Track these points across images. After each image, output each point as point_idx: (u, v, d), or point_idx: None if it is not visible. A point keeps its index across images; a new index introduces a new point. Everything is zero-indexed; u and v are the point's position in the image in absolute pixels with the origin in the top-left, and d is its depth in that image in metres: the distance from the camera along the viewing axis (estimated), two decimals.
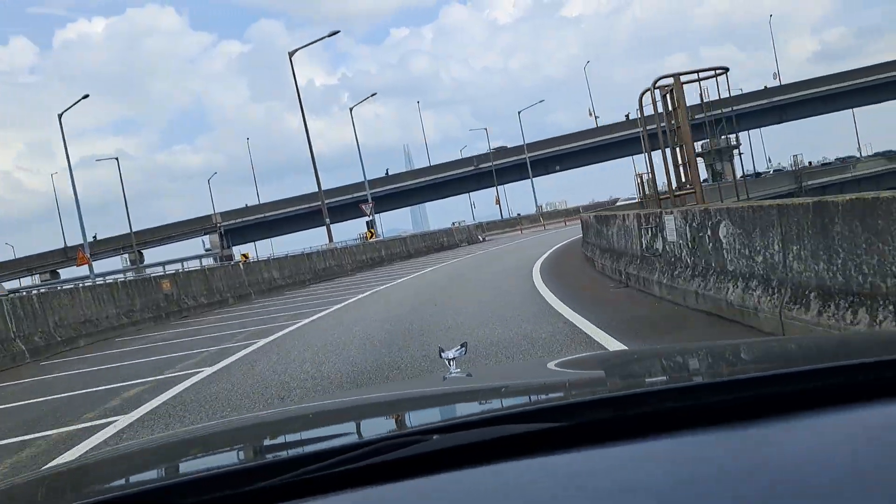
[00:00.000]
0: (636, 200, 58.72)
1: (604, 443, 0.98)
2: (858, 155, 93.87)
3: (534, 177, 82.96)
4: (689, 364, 1.71)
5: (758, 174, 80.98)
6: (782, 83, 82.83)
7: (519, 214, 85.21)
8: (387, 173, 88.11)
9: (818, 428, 0.97)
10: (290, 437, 1.50)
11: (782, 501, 0.78)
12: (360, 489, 0.93)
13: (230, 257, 76.75)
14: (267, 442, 1.52)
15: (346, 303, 15.71)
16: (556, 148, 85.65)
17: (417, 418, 1.45)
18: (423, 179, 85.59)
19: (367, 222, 51.02)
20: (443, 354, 1.95)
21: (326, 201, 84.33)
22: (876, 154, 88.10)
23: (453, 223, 78.90)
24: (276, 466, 1.01)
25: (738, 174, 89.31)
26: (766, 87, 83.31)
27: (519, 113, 69.07)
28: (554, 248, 25.96)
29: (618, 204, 55.25)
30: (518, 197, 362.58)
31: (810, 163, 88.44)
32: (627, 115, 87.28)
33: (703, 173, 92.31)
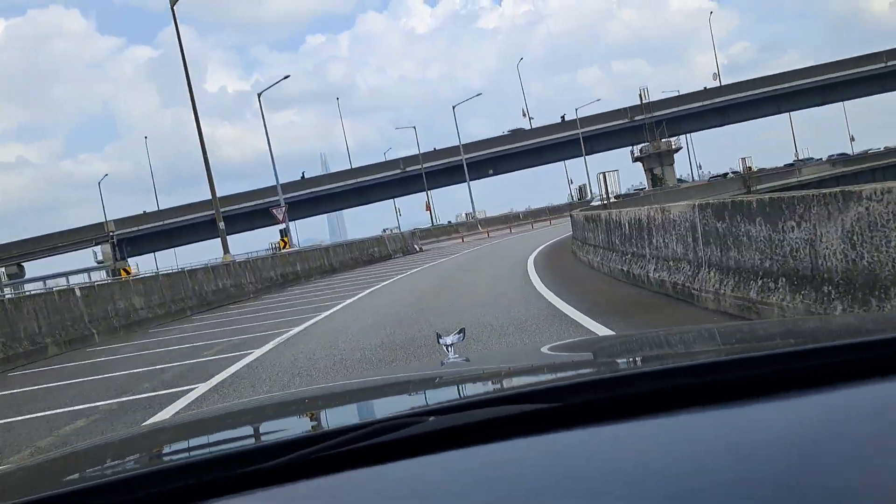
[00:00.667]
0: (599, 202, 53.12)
1: (594, 423, 1.00)
2: (795, 159, 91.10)
3: (464, 181, 76.42)
4: (678, 347, 1.73)
5: (717, 176, 76.18)
6: (722, 84, 78.73)
7: (449, 222, 78.50)
8: (303, 176, 79.96)
9: (804, 407, 0.99)
10: (286, 422, 1.52)
11: (776, 478, 0.80)
12: (357, 470, 0.95)
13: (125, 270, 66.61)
14: (261, 426, 1.51)
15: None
16: (491, 150, 79.31)
17: (414, 401, 1.47)
18: (343, 183, 77.79)
19: (281, 230, 43.51)
20: (441, 340, 1.90)
21: (232, 207, 75.75)
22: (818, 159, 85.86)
23: (385, 230, 71.68)
24: (271, 450, 1.02)
25: (678, 179, 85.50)
26: (705, 87, 79.10)
27: (454, 107, 62.53)
28: (533, 256, 19.14)
29: (593, 204, 50.17)
30: (444, 204, 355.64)
31: (749, 168, 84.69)
32: (563, 117, 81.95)
33: (643, 178, 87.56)
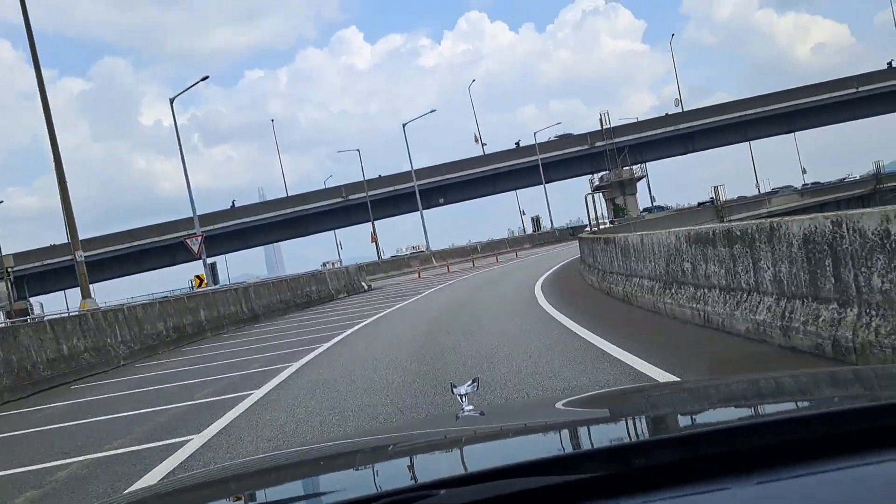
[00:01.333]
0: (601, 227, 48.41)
1: (616, 497, 0.96)
2: (758, 191, 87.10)
3: (415, 210, 69.73)
4: (704, 405, 1.65)
5: (705, 203, 70.88)
6: (684, 110, 74.21)
7: (393, 256, 71.56)
8: (233, 205, 72.18)
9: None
10: (285, 490, 1.45)
11: None
12: None
13: (24, 311, 57.57)
14: (262, 494, 1.46)
15: None
16: (442, 177, 72.87)
17: (425, 467, 1.42)
18: (278, 213, 70.23)
19: (209, 265, 36.14)
20: (455, 390, 1.83)
21: (148, 240, 67.88)
22: (788, 187, 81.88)
23: (325, 264, 64.23)
24: None
25: (656, 206, 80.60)
26: (666, 114, 74.43)
27: (404, 126, 55.80)
28: (545, 296, 12.47)
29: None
30: (386, 237, 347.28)
31: (712, 199, 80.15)
32: (518, 143, 76.28)
33: (603, 208, 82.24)
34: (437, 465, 1.43)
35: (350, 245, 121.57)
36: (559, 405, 1.95)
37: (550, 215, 66.90)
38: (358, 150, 64.33)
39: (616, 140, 72.85)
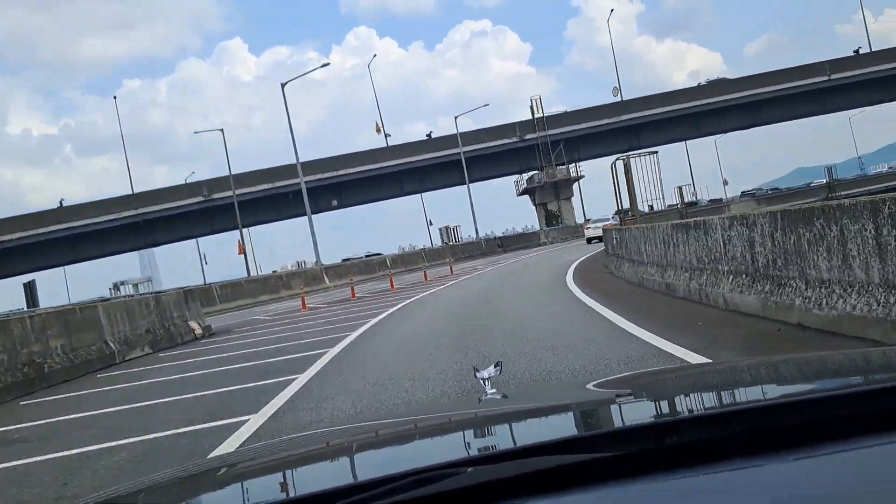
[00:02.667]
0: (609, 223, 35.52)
1: (645, 475, 0.96)
2: (695, 198, 76.19)
3: (302, 214, 54.31)
4: (738, 384, 1.65)
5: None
6: (624, 99, 61.89)
7: (274, 271, 55.73)
8: (60, 204, 54.50)
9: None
10: (313, 470, 1.46)
11: None
12: None
13: None
14: (288, 477, 1.43)
15: None
16: (335, 173, 57.62)
17: (451, 447, 1.42)
18: (113, 217, 53.08)
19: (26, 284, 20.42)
20: (478, 374, 1.81)
21: None
22: (744, 194, 71.53)
23: (116, 286, 47.61)
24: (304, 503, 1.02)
25: (581, 217, 67.75)
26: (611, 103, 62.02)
27: (283, 85, 40.28)
28: None
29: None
30: (262, 251, 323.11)
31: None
32: (430, 134, 61.95)
33: (534, 217, 68.75)
34: (463, 446, 1.40)
35: (219, 259, 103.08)
36: (584, 387, 1.95)
37: (475, 222, 52.41)
38: (221, 130, 48.13)
39: (550, 132, 59.74)
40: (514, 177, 65.08)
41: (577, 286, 15.10)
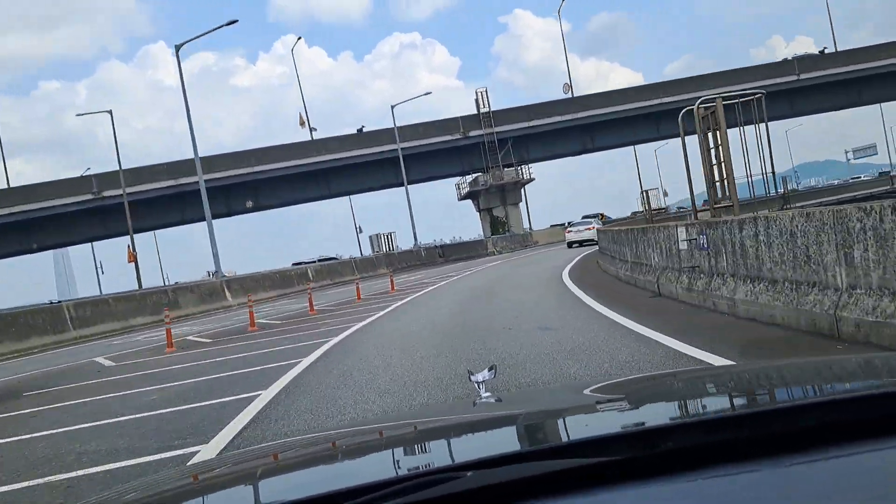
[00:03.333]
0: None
1: (641, 480, 0.96)
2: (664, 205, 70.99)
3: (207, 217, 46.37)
4: (736, 389, 1.65)
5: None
6: (575, 95, 55.98)
7: (176, 283, 47.60)
8: None
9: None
10: (310, 474, 1.42)
11: None
12: None
13: None
14: (286, 481, 1.43)
15: None
16: (250, 170, 49.87)
17: (450, 451, 1.39)
18: None
19: None
20: (472, 377, 1.79)
21: None
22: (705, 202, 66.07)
23: None
24: None
25: (526, 224, 61.29)
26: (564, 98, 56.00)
27: (177, 48, 32.39)
28: None
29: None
30: (172, 260, 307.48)
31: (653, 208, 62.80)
32: (361, 129, 54.82)
33: (478, 225, 61.89)
34: (459, 450, 1.38)
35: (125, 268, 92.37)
36: (580, 391, 1.94)
37: (414, 228, 45.23)
38: (110, 112, 39.74)
39: (497, 129, 53.31)
40: (456, 179, 58.39)
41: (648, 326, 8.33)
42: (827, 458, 0.96)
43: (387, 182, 53.32)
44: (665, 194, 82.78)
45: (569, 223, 44.19)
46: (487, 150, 53.20)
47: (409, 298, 18.12)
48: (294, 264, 47.40)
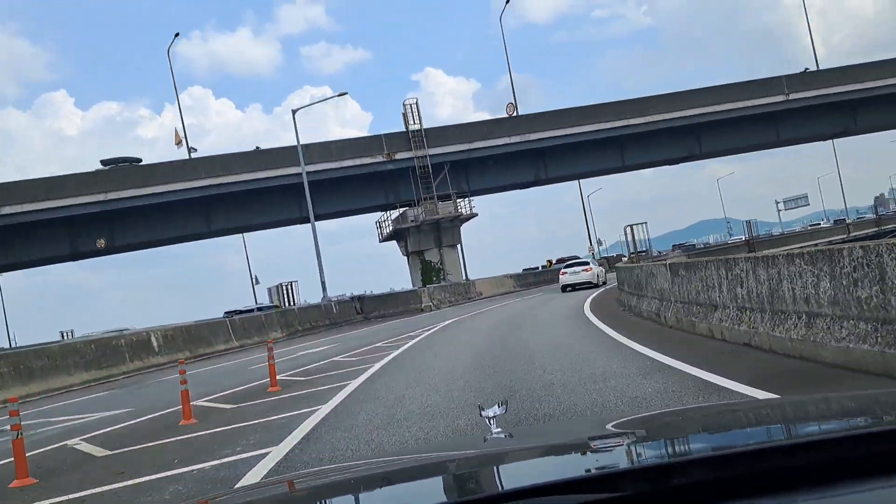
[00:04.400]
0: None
1: None
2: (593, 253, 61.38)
3: (55, 258, 33.63)
4: (749, 425, 1.64)
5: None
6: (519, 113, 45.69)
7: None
8: None
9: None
10: None
11: None
12: None
13: None
14: None
15: None
16: (105, 196, 37.26)
17: (455, 488, 1.40)
18: None
19: None
20: (483, 413, 1.79)
21: None
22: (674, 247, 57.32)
23: None
24: None
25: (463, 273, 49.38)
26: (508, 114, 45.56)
27: None
28: None
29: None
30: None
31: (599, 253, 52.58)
32: (257, 149, 42.98)
33: (406, 272, 48.61)
34: (465, 486, 1.40)
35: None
36: (590, 428, 1.95)
37: (323, 276, 33.03)
38: None
39: (432, 152, 42.41)
40: (379, 214, 46.92)
41: None
42: (842, 494, 0.95)
43: (289, 216, 41.48)
44: (599, 243, 73.61)
45: (565, 264, 36.88)
46: (419, 178, 42.12)
47: (291, 433, 6.72)
48: (226, 314, 38.38)
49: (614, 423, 1.94)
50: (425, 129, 42.86)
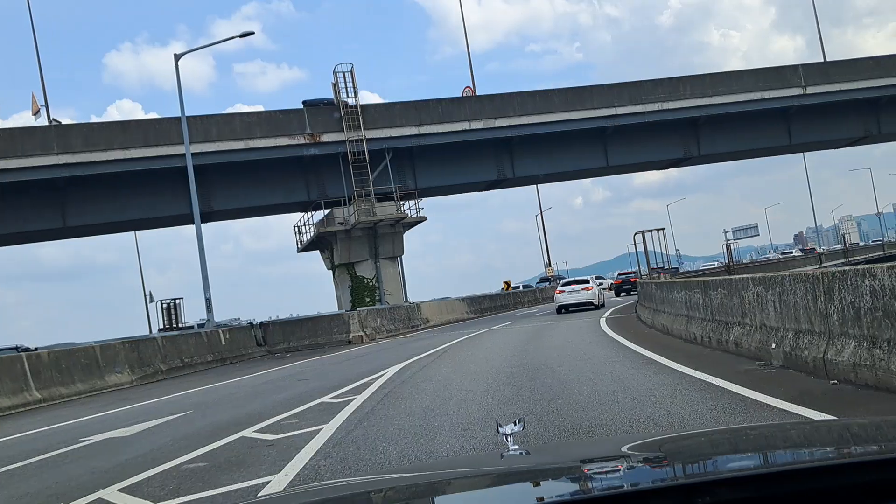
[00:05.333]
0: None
1: None
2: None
3: None
4: (766, 447, 1.63)
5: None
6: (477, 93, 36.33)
7: None
8: None
9: None
10: None
11: None
12: None
13: None
14: None
15: None
16: None
17: None
18: None
19: None
20: (500, 430, 1.79)
21: None
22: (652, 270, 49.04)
23: None
24: None
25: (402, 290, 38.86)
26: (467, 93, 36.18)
27: None
28: None
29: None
30: None
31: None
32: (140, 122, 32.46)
33: (331, 288, 38.47)
34: (486, 502, 1.37)
35: None
36: (609, 447, 1.93)
37: (207, 291, 22.56)
38: None
39: (371, 135, 32.80)
40: (300, 216, 36.83)
41: None
42: None
43: (179, 211, 31.17)
44: (548, 265, 65.09)
45: (562, 282, 32.07)
46: (351, 169, 32.39)
47: None
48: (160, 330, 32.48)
49: (634, 443, 1.88)
50: (363, 106, 33.21)
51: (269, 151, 31.56)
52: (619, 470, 1.48)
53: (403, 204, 33.98)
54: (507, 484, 1.50)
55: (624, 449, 1.74)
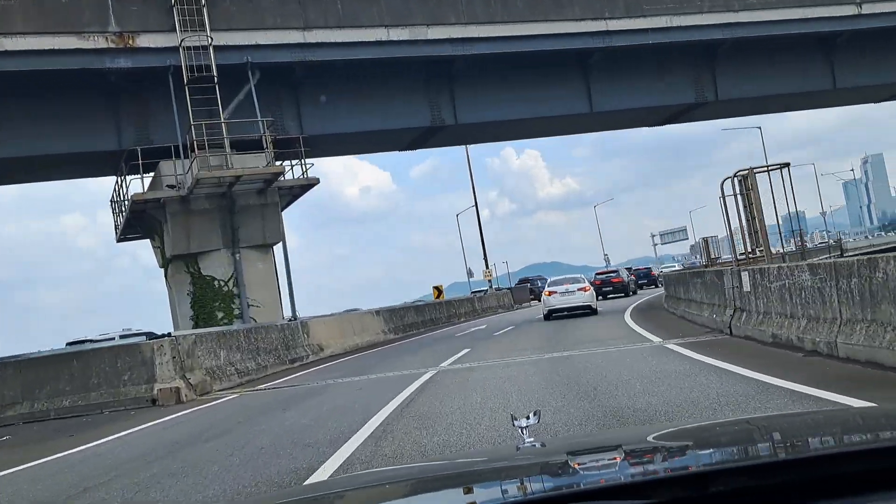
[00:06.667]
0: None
1: None
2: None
3: None
4: (773, 437, 1.61)
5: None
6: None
7: None
8: None
9: None
10: None
11: None
12: None
13: None
14: None
15: None
16: None
17: (486, 498, 1.40)
18: None
19: None
20: (515, 422, 1.77)
21: None
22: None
23: None
24: None
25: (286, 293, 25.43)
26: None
27: None
28: None
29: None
30: None
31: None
32: None
33: (183, 304, 24.91)
34: (499, 495, 1.38)
35: None
36: (625, 437, 1.91)
37: None
38: None
39: (222, 40, 19.57)
40: (113, 180, 23.20)
41: None
42: (885, 500, 0.95)
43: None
44: (473, 273, 53.32)
45: (551, 282, 25.47)
46: (188, 96, 19.13)
47: None
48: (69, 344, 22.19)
49: (651, 434, 1.87)
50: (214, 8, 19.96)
51: (42, 60, 18.02)
52: (634, 460, 1.45)
53: (282, 161, 20.90)
54: (524, 475, 1.47)
55: (642, 438, 1.73)
